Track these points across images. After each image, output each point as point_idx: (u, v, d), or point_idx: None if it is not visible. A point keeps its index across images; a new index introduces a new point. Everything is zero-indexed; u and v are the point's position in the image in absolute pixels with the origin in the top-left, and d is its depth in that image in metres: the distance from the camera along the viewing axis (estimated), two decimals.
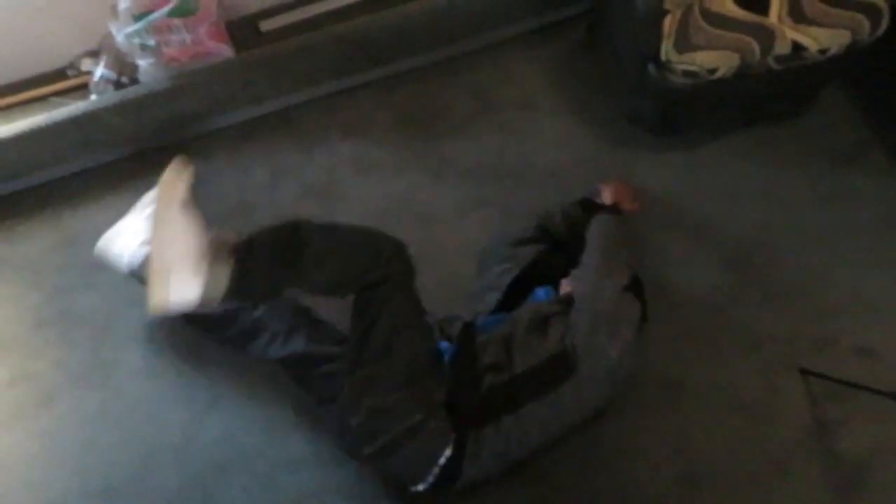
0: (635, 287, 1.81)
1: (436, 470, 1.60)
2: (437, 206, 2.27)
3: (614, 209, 2.00)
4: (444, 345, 1.76)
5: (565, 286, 1.88)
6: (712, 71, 2.01)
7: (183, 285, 1.49)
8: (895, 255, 2.16)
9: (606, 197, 2.06)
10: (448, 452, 1.59)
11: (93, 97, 2.26)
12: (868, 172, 2.29)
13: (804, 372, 1.98)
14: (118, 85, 2.27)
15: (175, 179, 1.60)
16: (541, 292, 1.91)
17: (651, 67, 2.06)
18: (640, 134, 2.35)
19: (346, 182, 2.33)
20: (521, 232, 2.04)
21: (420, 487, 1.65)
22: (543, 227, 2.04)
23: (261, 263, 1.60)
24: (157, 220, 1.54)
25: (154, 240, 1.53)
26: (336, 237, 1.69)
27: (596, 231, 1.90)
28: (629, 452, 1.93)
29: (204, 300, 1.51)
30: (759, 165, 2.31)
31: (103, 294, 2.16)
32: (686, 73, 2.02)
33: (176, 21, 2.19)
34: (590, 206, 2.02)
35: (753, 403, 1.97)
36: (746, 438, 1.93)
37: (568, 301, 1.79)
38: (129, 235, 1.97)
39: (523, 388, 1.65)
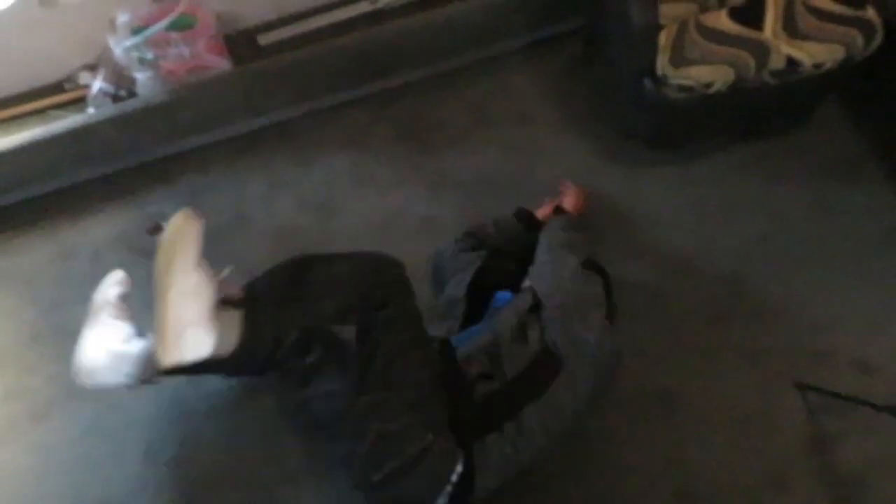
0: (594, 267, 1.85)
1: (448, 488, 1.57)
2: (434, 220, 2.28)
3: (561, 213, 2.07)
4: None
5: (525, 286, 1.90)
6: (708, 85, 2.02)
7: (198, 340, 1.51)
8: (892, 270, 2.16)
9: (568, 202, 2.12)
10: (459, 469, 1.57)
11: (90, 110, 2.26)
12: (864, 187, 2.29)
13: (801, 386, 1.98)
14: (116, 98, 2.27)
15: (185, 234, 1.64)
16: (502, 295, 1.94)
17: (647, 82, 2.07)
18: (636, 148, 2.36)
19: (343, 195, 2.34)
20: (456, 244, 2.07)
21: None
22: (472, 233, 2.08)
23: (267, 308, 1.63)
24: (171, 277, 1.56)
25: (168, 298, 1.53)
26: (335, 266, 1.70)
27: (548, 230, 1.98)
28: (625, 466, 1.92)
29: (217, 352, 1.53)
30: (755, 179, 2.32)
31: None
32: (682, 88, 2.03)
33: (174, 35, 2.20)
34: (524, 216, 2.09)
35: (750, 417, 1.97)
36: (743, 452, 1.93)
37: (535, 300, 1.80)
38: (106, 356, 1.70)
39: (517, 392, 1.65)
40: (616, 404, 1.99)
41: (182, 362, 1.51)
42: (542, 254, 1.91)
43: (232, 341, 1.57)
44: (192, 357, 1.51)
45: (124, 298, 1.78)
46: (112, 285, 1.79)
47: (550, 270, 1.84)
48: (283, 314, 1.65)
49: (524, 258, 1.96)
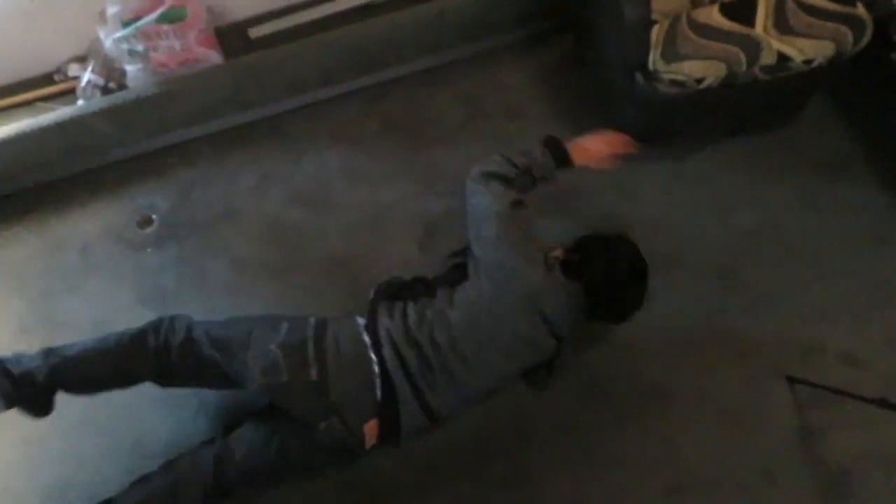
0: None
1: (364, 337, 1.71)
2: (426, 214, 2.27)
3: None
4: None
5: None
6: (699, 80, 2.03)
7: None
8: (878, 264, 2.18)
9: (593, 144, 1.98)
10: (361, 321, 1.75)
11: (80, 102, 2.24)
12: (852, 182, 2.31)
13: (790, 379, 1.99)
14: (105, 90, 2.26)
15: None
16: None
17: (639, 77, 2.08)
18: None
19: (334, 189, 2.33)
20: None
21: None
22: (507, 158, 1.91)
23: None
24: None
25: None
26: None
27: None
28: (616, 460, 1.93)
29: None
30: (746, 174, 2.33)
31: (88, 299, 2.14)
32: (673, 83, 2.04)
33: (165, 27, 2.19)
34: (553, 145, 1.93)
35: (740, 411, 1.98)
36: (733, 446, 1.94)
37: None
38: None
39: (431, 285, 1.86)
40: (607, 398, 2.00)
41: None
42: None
43: None
44: None
45: None
46: None
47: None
48: None
49: None
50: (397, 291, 1.89)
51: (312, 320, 1.74)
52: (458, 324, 1.72)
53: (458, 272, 1.90)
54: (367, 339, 1.72)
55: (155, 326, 1.76)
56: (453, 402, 1.77)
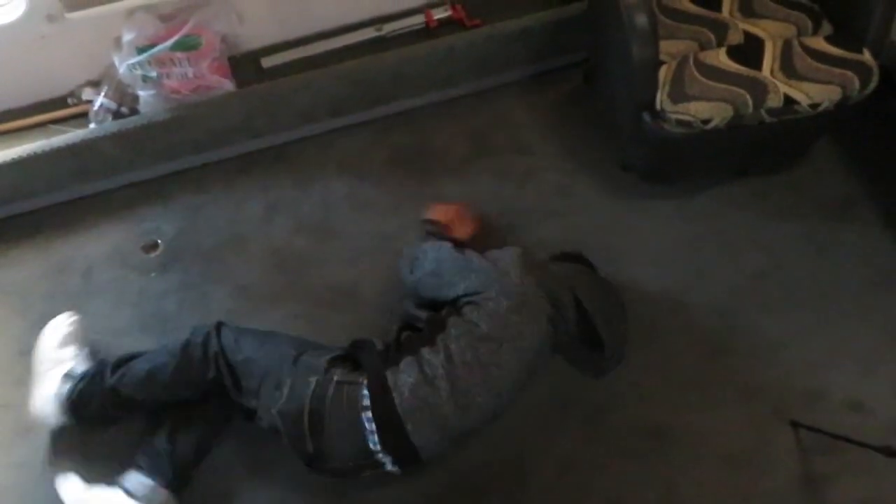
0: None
1: (367, 413, 1.64)
2: None
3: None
4: None
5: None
6: (706, 121, 2.04)
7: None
8: (884, 309, 2.16)
9: (435, 214, 2.14)
10: (365, 392, 1.65)
11: (91, 126, 2.26)
12: (857, 226, 2.31)
13: (795, 424, 1.97)
14: (117, 115, 2.28)
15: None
16: None
17: (646, 116, 2.09)
18: (634, 181, 2.38)
19: (340, 219, 2.34)
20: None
21: (381, 458, 1.68)
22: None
23: None
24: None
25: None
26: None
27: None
28: (617, 501, 1.90)
29: None
30: (751, 215, 2.33)
31: (90, 323, 2.12)
32: (680, 123, 2.05)
33: (179, 55, 2.22)
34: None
35: (743, 454, 1.95)
36: (735, 490, 1.91)
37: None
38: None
39: (430, 329, 1.78)
40: (608, 439, 1.97)
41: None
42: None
43: None
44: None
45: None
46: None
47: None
48: None
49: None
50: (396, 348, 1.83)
51: (313, 382, 1.68)
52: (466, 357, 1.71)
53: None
54: (367, 401, 1.66)
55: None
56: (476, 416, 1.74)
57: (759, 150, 2.31)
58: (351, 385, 1.68)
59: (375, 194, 2.38)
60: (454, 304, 1.81)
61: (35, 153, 2.19)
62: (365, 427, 1.65)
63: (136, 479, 1.77)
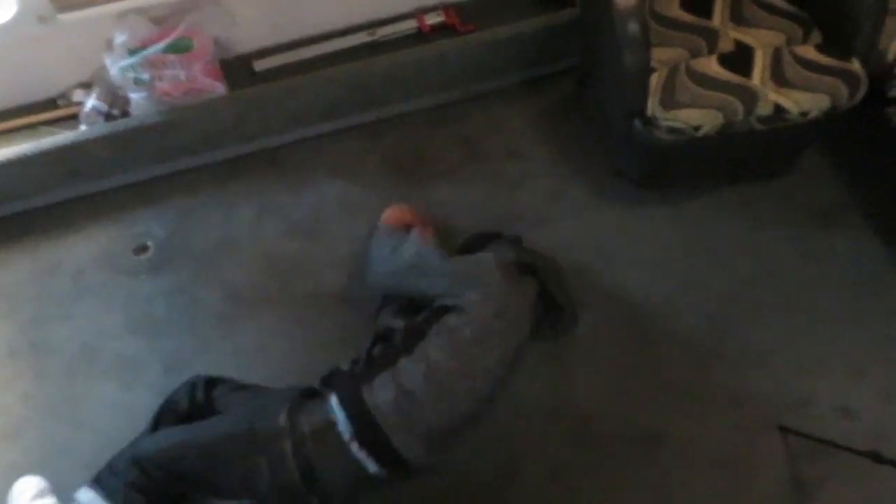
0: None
1: (347, 432, 1.58)
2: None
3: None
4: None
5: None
6: (697, 128, 2.05)
7: None
8: (873, 315, 2.18)
9: (392, 217, 2.15)
10: (344, 428, 1.59)
11: (82, 128, 2.25)
12: (845, 232, 2.33)
13: (783, 429, 1.98)
14: (109, 117, 2.27)
15: None
16: None
17: (637, 123, 2.10)
18: (624, 187, 2.39)
19: (331, 223, 2.33)
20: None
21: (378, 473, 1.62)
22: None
23: None
24: None
25: None
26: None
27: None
28: None
29: None
30: (741, 222, 2.34)
31: (78, 326, 2.12)
32: (671, 130, 2.06)
33: (171, 57, 2.22)
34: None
35: (732, 459, 1.96)
36: (724, 495, 1.92)
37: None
38: None
39: (407, 337, 1.73)
40: (600, 445, 1.98)
41: None
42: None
43: None
44: None
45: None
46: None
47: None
48: None
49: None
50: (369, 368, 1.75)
51: (288, 447, 1.58)
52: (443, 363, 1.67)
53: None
54: (349, 434, 1.60)
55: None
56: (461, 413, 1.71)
57: (749, 157, 2.32)
58: (327, 427, 1.60)
59: (367, 198, 2.38)
60: (433, 310, 1.77)
61: (25, 155, 2.17)
62: (358, 458, 1.60)
63: None
